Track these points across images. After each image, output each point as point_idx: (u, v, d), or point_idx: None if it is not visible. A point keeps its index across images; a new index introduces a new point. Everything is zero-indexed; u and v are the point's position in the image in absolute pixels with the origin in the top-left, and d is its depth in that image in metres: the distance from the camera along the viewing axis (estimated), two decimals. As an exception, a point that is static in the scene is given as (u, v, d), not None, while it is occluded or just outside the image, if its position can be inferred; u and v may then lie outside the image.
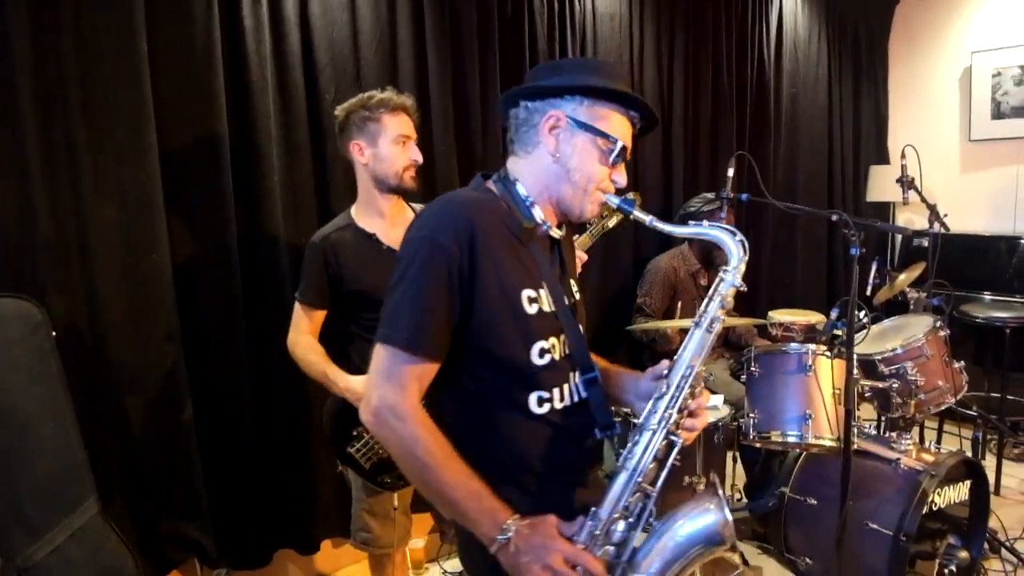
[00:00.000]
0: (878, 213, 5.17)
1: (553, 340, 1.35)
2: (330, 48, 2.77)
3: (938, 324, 3.03)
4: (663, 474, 1.31)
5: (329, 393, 2.21)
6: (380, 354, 1.26)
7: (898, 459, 2.63)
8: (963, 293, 4.59)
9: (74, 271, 2.23)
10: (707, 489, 1.34)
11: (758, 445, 2.68)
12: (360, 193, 2.26)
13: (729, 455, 3.57)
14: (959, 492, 2.74)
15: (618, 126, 1.37)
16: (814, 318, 3.50)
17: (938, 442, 4.02)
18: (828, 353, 2.58)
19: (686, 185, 4.03)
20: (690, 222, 1.40)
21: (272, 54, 2.61)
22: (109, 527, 1.99)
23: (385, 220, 2.24)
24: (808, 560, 2.86)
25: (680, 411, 1.32)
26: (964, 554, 2.66)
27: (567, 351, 1.37)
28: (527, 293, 1.32)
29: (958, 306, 4.28)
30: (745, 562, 3.10)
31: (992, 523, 3.33)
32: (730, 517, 1.28)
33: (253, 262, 2.61)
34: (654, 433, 1.30)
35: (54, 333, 1.94)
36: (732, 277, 1.36)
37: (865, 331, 2.73)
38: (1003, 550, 3.15)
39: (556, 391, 1.35)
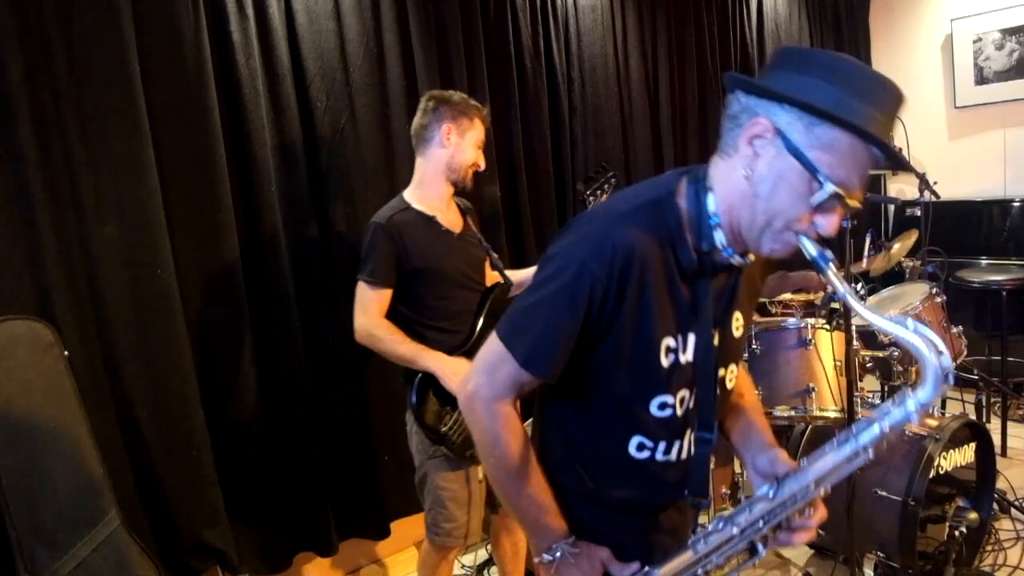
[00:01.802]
0: (870, 185, 5.19)
1: (682, 393, 1.23)
2: (319, 57, 2.80)
3: (934, 291, 3.07)
4: (733, 573, 1.22)
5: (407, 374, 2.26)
6: (494, 348, 1.19)
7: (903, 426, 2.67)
8: (959, 259, 4.64)
9: (82, 290, 2.27)
10: None
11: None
12: (423, 176, 2.37)
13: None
14: (965, 455, 2.78)
15: (842, 164, 1.05)
16: (812, 294, 3.54)
17: (942, 407, 4.07)
18: (827, 326, 2.62)
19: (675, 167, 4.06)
20: (892, 317, 1.05)
21: (262, 66, 2.64)
22: (131, 539, 2.03)
23: (442, 203, 2.38)
24: (821, 532, 2.89)
25: (776, 527, 1.18)
26: (974, 515, 2.70)
27: (691, 404, 1.25)
28: (667, 342, 1.18)
29: (954, 272, 4.33)
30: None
31: (1001, 484, 3.38)
32: None
33: (257, 271, 2.65)
34: (735, 538, 1.18)
35: (66, 353, 1.97)
36: (915, 408, 1.05)
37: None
38: (1012, 510, 3.19)
39: (663, 444, 1.25)
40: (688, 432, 1.26)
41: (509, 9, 3.39)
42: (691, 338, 1.19)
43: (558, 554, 1.22)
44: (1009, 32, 4.68)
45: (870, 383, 3.15)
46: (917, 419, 1.06)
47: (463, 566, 3.14)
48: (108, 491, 2.00)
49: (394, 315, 2.28)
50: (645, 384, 1.20)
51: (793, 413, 2.57)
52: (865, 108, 1.03)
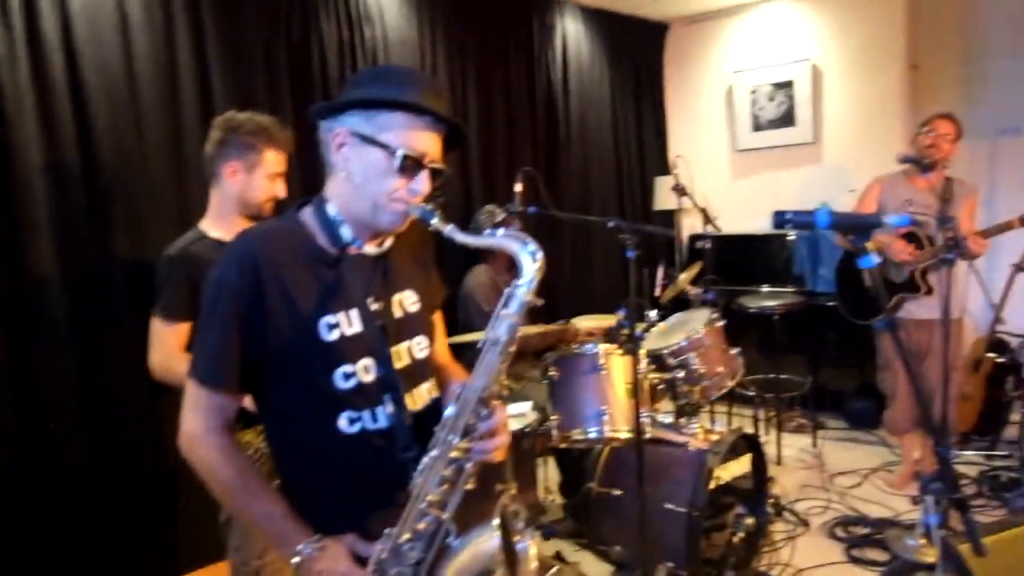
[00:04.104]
0: (666, 220, 5.62)
1: (364, 362, 1.35)
2: (101, 72, 2.62)
3: (714, 316, 3.35)
4: (454, 498, 1.30)
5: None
6: (188, 386, 1.34)
7: (686, 443, 2.89)
8: (743, 287, 5.12)
9: None
10: (496, 508, 1.33)
11: (563, 445, 2.82)
12: (217, 209, 2.25)
13: (545, 459, 3.73)
14: (741, 465, 3.04)
15: (405, 135, 1.32)
16: (615, 321, 3.75)
17: (728, 423, 4.45)
18: (619, 351, 2.77)
19: (484, 200, 4.16)
20: (485, 231, 1.33)
21: (31, 80, 2.43)
22: None
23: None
24: (618, 548, 3.05)
25: (465, 435, 1.30)
26: (751, 520, 2.96)
27: (379, 372, 1.37)
28: (327, 320, 1.32)
29: (737, 299, 4.76)
30: (563, 560, 3.24)
31: (777, 489, 3.74)
32: (499, 546, 1.29)
33: (16, 303, 2.41)
34: (435, 460, 1.29)
35: None
36: (523, 293, 1.30)
37: (649, 326, 2.97)
38: (785, 513, 3.53)
39: (367, 413, 1.36)
40: (386, 397, 1.38)
41: (315, 39, 3.37)
42: (353, 313, 1.36)
43: (303, 554, 1.27)
44: (778, 86, 5.28)
45: (667, 406, 3.37)
46: (528, 298, 1.29)
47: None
48: None
49: None
50: (320, 359, 1.33)
51: (589, 436, 2.68)
52: (406, 91, 1.32)
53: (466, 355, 3.70)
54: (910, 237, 3.56)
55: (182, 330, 2.15)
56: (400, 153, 1.31)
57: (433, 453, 1.30)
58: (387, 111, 1.32)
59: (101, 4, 2.63)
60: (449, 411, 1.32)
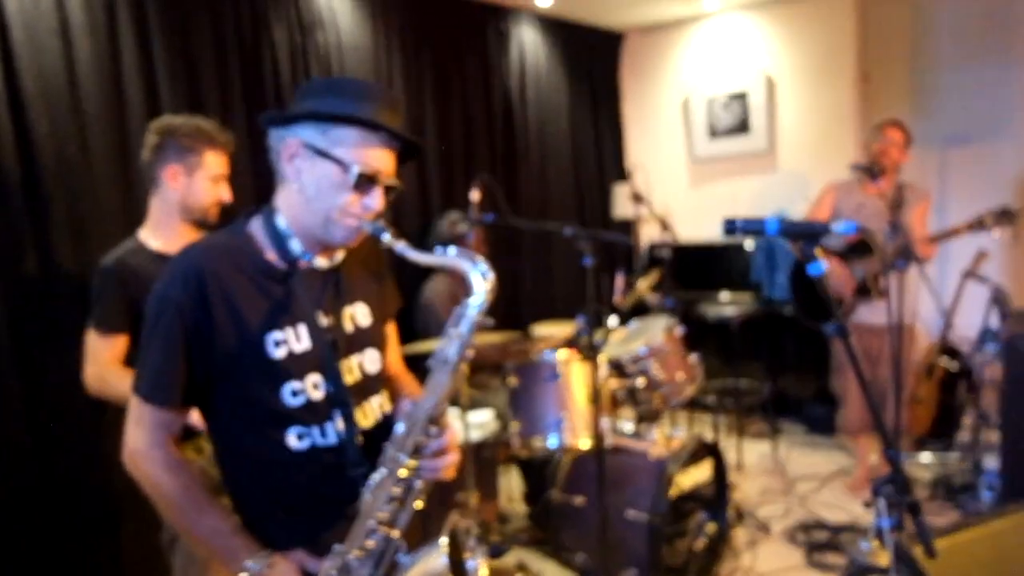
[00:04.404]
0: (625, 228, 5.64)
1: (313, 378, 1.34)
2: (40, 77, 2.55)
3: (673, 323, 3.36)
4: (403, 515, 1.30)
5: None
6: (132, 402, 1.32)
7: (646, 450, 2.88)
8: (703, 293, 5.15)
9: None
10: (446, 526, 1.33)
11: (524, 454, 2.80)
12: (157, 215, 2.18)
13: (507, 468, 3.70)
14: (702, 472, 3.05)
15: (360, 152, 1.30)
16: (574, 329, 3.74)
17: (690, 430, 4.46)
18: (577, 357, 2.76)
19: (443, 209, 4.13)
20: (436, 248, 1.33)
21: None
22: None
23: (183, 240, 2.14)
24: (581, 555, 3.03)
25: (415, 453, 1.30)
26: (712, 526, 2.96)
27: (329, 388, 1.35)
28: (274, 336, 1.31)
29: (696, 306, 4.80)
30: (526, 569, 3.21)
31: (737, 495, 3.75)
32: (446, 565, 1.29)
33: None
34: (384, 477, 1.29)
35: None
36: (474, 313, 1.31)
37: (608, 333, 2.97)
38: (746, 518, 3.55)
39: (316, 429, 1.34)
40: (336, 413, 1.36)
41: (266, 44, 3.31)
42: (302, 328, 1.34)
43: (253, 571, 1.25)
44: (733, 97, 5.35)
45: (628, 414, 3.36)
46: (478, 316, 1.30)
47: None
48: None
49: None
50: (267, 376, 1.30)
51: (549, 444, 2.66)
52: (361, 106, 1.30)
53: (423, 364, 3.67)
54: (862, 245, 3.62)
55: (117, 343, 2.09)
56: (355, 170, 1.29)
57: (382, 471, 1.30)
58: (342, 126, 1.30)
59: (39, 7, 2.54)
60: (398, 429, 1.31)
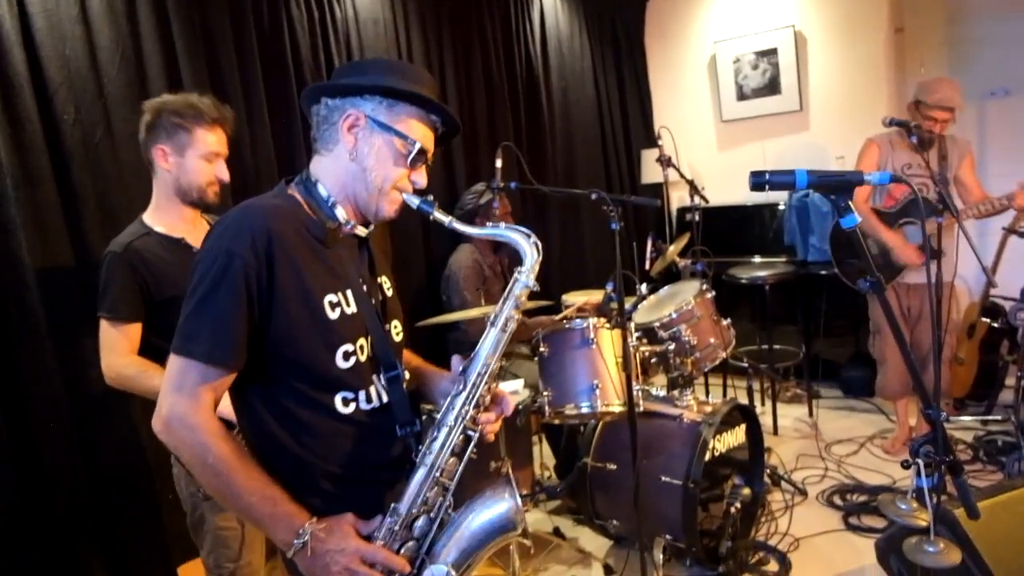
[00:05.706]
0: (654, 193, 5.57)
1: (361, 342, 1.36)
2: (64, 66, 2.54)
3: (704, 287, 3.32)
4: (460, 468, 1.38)
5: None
6: (175, 365, 1.25)
7: (680, 415, 2.86)
8: (734, 258, 5.08)
9: None
10: (500, 479, 1.40)
11: (556, 421, 2.79)
12: (158, 198, 2.12)
13: (539, 437, 3.71)
14: (737, 436, 3.02)
15: (417, 129, 1.38)
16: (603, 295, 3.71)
17: (724, 395, 4.43)
18: (608, 325, 2.74)
19: (468, 180, 4.11)
20: (488, 224, 1.47)
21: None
22: None
23: (188, 224, 2.14)
24: (615, 522, 3.04)
25: (476, 407, 1.38)
26: (747, 491, 2.94)
27: (372, 352, 1.38)
28: (329, 298, 1.32)
29: (728, 270, 4.73)
30: (561, 536, 3.23)
31: (773, 460, 3.72)
32: (520, 504, 1.37)
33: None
34: (451, 429, 1.36)
35: None
36: (526, 278, 1.42)
37: (639, 299, 2.94)
38: (782, 483, 3.52)
39: (362, 393, 1.36)
40: (377, 376, 1.39)
41: (285, 21, 3.29)
42: (349, 293, 1.36)
43: (307, 536, 1.24)
44: (761, 54, 5.22)
45: (660, 379, 3.34)
46: (528, 281, 1.42)
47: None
48: None
49: (149, 349, 2.05)
50: (326, 338, 1.31)
51: (582, 411, 2.65)
52: (415, 86, 1.38)
53: (447, 335, 3.68)
54: (909, 207, 3.52)
55: (131, 331, 2.04)
56: (418, 146, 1.37)
57: (448, 423, 1.36)
58: (406, 104, 1.37)
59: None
60: (461, 385, 1.39)
